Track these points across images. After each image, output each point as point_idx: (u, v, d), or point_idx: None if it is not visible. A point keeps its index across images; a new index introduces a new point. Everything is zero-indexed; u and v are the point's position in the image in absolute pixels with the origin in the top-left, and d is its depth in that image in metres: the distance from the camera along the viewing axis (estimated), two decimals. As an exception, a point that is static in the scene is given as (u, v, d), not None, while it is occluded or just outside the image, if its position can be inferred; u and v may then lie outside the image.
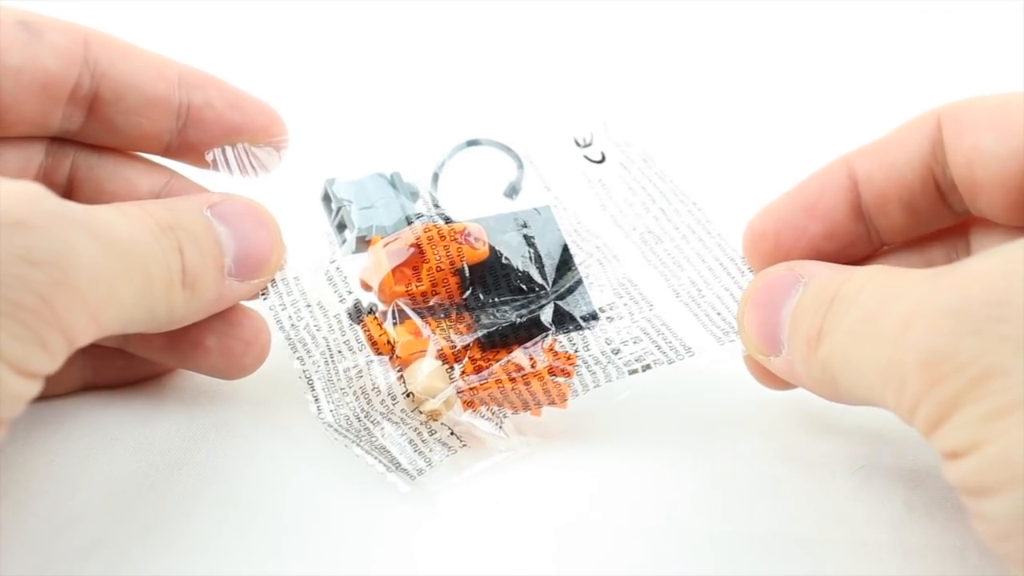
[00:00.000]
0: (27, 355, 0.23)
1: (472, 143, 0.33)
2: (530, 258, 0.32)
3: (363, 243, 0.31)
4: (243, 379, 0.31)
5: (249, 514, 0.27)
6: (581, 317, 0.31)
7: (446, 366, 0.30)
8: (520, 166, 0.33)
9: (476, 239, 0.31)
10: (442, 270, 0.31)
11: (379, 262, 0.31)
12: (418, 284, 0.30)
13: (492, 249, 0.31)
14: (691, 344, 0.31)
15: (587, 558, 0.27)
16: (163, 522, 0.27)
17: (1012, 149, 0.27)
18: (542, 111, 0.44)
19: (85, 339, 0.24)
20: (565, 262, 0.32)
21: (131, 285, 0.25)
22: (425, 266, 0.31)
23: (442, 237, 0.31)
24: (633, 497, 0.29)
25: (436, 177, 0.33)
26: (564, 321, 0.31)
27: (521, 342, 0.30)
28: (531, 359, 0.30)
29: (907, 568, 0.27)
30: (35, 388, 0.24)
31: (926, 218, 0.30)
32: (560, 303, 0.31)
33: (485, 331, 0.30)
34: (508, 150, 0.33)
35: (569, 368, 0.30)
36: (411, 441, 0.29)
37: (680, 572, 0.26)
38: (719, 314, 0.32)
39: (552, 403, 0.30)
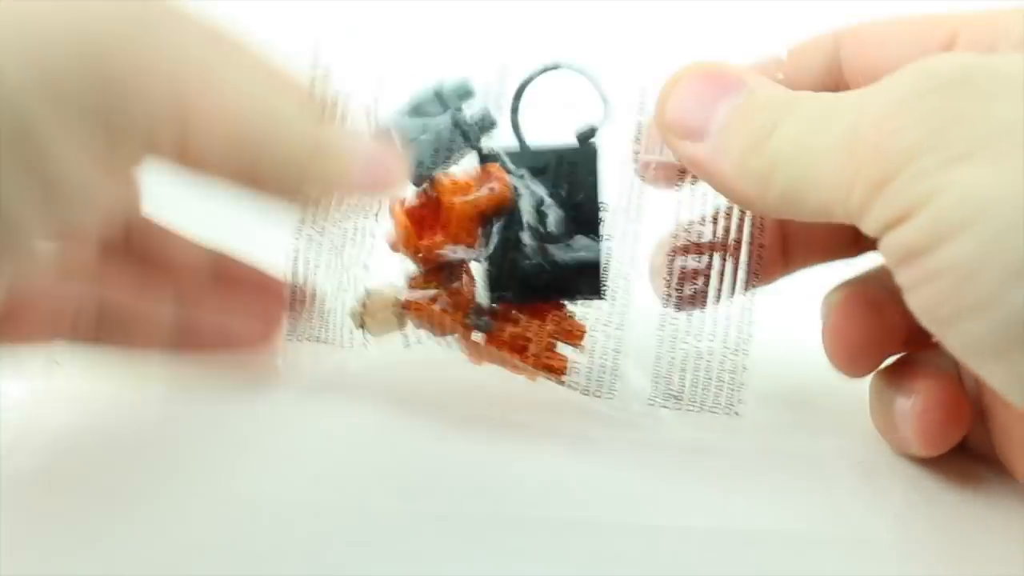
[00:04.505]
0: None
1: (578, 71, 0.31)
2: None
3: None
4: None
5: (248, 513, 0.27)
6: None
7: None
8: (606, 110, 0.31)
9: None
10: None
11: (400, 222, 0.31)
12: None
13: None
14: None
15: (587, 559, 0.27)
16: (157, 521, 0.27)
17: (908, 60, 0.28)
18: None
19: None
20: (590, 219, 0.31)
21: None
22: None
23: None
24: (631, 496, 0.29)
25: (524, 86, 0.31)
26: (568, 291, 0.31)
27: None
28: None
29: (907, 566, 0.27)
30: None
31: None
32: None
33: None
34: (603, 97, 0.31)
35: (579, 336, 0.31)
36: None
37: (680, 571, 0.26)
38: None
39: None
